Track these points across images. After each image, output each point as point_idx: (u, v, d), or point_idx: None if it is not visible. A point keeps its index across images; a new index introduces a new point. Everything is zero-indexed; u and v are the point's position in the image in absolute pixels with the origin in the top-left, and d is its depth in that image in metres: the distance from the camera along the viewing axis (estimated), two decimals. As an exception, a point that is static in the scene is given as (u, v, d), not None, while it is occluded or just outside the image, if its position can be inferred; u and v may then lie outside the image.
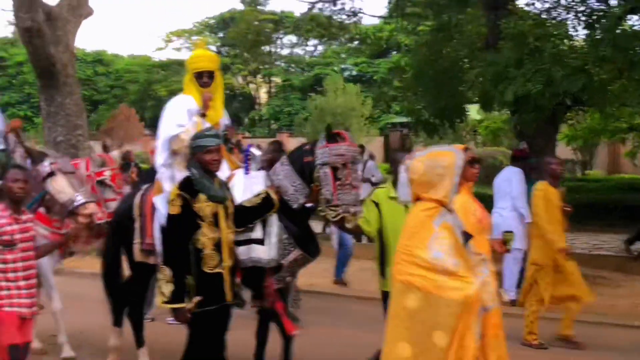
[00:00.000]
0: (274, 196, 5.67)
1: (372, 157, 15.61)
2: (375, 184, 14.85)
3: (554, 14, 11.55)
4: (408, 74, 14.95)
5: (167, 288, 4.99)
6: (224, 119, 6.65)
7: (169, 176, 6.21)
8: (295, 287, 6.85)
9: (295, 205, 5.78)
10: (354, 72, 47.56)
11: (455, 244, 4.66)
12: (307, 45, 52.73)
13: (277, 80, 53.39)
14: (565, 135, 19.98)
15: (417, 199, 4.85)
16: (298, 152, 6.07)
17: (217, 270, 5.10)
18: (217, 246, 5.13)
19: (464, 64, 13.29)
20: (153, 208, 6.33)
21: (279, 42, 52.32)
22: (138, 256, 6.40)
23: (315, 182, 5.70)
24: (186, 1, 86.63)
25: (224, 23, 52.20)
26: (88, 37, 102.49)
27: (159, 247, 6.14)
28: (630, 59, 9.73)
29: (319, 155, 5.65)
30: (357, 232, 6.76)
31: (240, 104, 53.21)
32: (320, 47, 52.57)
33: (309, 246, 5.98)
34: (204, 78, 6.39)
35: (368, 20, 36.15)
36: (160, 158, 6.32)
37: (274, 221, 5.80)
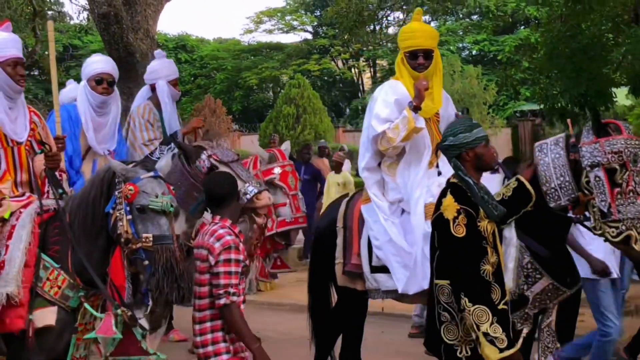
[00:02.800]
0: (528, 186, 4.97)
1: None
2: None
3: None
4: (540, 53, 14.67)
5: (498, 331, 4.30)
6: (448, 108, 6.26)
7: (376, 181, 5.85)
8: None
9: (552, 204, 5.04)
10: (474, 52, 47.10)
11: None
12: (417, 21, 52.56)
13: (383, 63, 53.32)
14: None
15: None
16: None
17: (501, 306, 4.48)
18: (495, 275, 4.53)
19: (608, 41, 12.98)
20: (361, 220, 5.90)
21: (384, 20, 52.27)
22: (341, 280, 5.97)
23: (582, 189, 4.94)
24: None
25: (321, 0, 52.56)
26: (170, 21, 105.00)
27: (366, 267, 5.78)
28: None
29: (586, 154, 4.86)
30: None
31: (340, 92, 53.49)
32: (433, 24, 52.24)
33: (564, 274, 5.24)
34: (419, 59, 5.82)
35: (490, -9, 35.55)
36: (363, 160, 5.94)
37: (511, 239, 5.03)
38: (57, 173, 5.13)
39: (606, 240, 5.04)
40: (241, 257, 4.61)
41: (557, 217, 5.17)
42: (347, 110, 52.08)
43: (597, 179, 4.80)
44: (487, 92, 35.68)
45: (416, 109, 5.58)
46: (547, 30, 14.38)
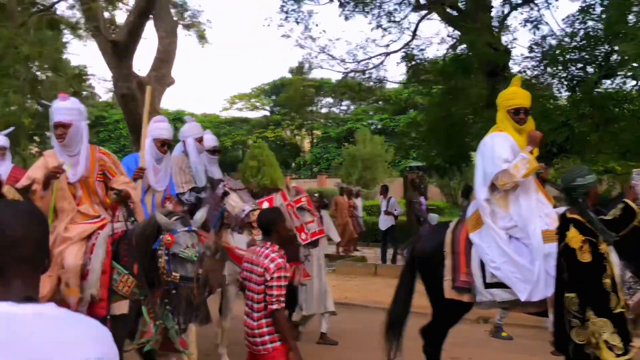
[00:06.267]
0: (633, 205, 4.47)
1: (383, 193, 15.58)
2: (396, 217, 14.80)
3: (542, 79, 11.47)
4: (423, 128, 14.90)
5: (616, 340, 3.99)
6: None
7: (490, 211, 5.12)
8: None
9: None
10: (379, 126, 47.60)
11: None
12: (341, 105, 53.02)
13: (318, 132, 53.63)
14: (552, 177, 19.64)
15: None
16: None
17: (618, 309, 4.15)
18: (612, 285, 4.20)
19: (469, 120, 13.25)
20: (467, 245, 5.21)
21: (319, 102, 52.72)
22: (449, 293, 5.23)
23: None
24: (246, 70, 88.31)
25: (275, 88, 52.71)
26: (170, 100, 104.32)
27: (479, 283, 5.10)
28: (605, 116, 9.62)
29: None
30: None
31: (288, 152, 53.50)
32: (352, 106, 52.79)
33: None
34: (520, 114, 5.17)
35: (390, 85, 36.30)
36: (482, 193, 5.17)
37: (613, 258, 4.47)
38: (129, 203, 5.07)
39: None
40: (288, 274, 4.46)
41: None
42: (293, 164, 52.09)
43: None
44: (388, 153, 36.04)
45: (531, 153, 5.07)
46: (428, 113, 14.64)
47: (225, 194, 5.78)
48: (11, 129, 9.11)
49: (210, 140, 7.37)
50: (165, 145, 6.17)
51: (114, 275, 4.62)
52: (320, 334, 7.87)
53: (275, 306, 4.32)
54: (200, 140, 6.99)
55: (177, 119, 54.11)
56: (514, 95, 5.30)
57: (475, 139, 12.75)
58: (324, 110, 55.37)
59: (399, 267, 14.16)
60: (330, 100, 52.44)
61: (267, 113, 56.33)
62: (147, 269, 4.52)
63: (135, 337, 4.62)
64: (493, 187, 5.15)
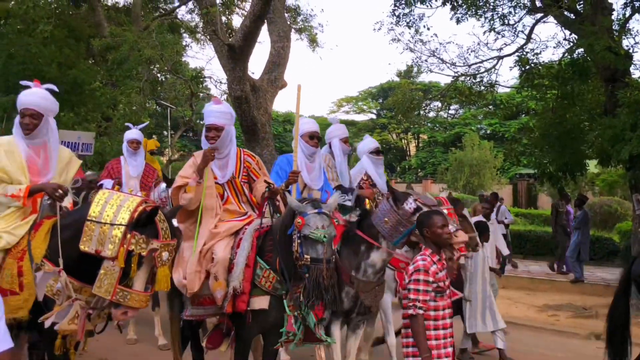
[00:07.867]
0: None
1: (501, 201, 15.19)
2: (507, 225, 14.43)
3: (666, 85, 10.81)
4: (535, 134, 14.41)
5: None
6: None
7: None
8: None
9: None
10: (488, 131, 46.48)
11: None
12: (449, 109, 52.19)
13: (424, 136, 53.10)
14: None
15: None
16: None
17: None
18: None
19: (585, 127, 12.69)
20: None
21: (426, 106, 52.17)
22: None
23: None
24: (354, 73, 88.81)
25: (383, 91, 52.74)
26: (280, 102, 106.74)
27: None
28: None
29: None
30: None
31: (393, 155, 53.28)
32: (460, 111, 51.88)
33: None
34: None
35: (502, 90, 35.34)
36: None
37: None
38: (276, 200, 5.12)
39: None
40: (430, 278, 4.07)
41: None
42: (398, 168, 51.82)
43: None
44: (496, 159, 35.12)
45: None
46: (541, 118, 14.14)
47: (418, 209, 5.19)
48: (146, 123, 9.58)
49: (371, 142, 7.22)
50: (314, 138, 6.08)
51: (256, 269, 4.64)
52: (498, 351, 7.37)
53: (410, 311, 4.02)
54: (345, 140, 6.85)
55: (286, 121, 55.15)
56: None
57: (592, 147, 12.26)
58: (431, 114, 54.75)
59: (507, 277, 13.81)
60: (438, 104, 51.80)
61: (374, 116, 56.38)
62: (287, 260, 4.49)
63: (281, 333, 4.53)
64: None
